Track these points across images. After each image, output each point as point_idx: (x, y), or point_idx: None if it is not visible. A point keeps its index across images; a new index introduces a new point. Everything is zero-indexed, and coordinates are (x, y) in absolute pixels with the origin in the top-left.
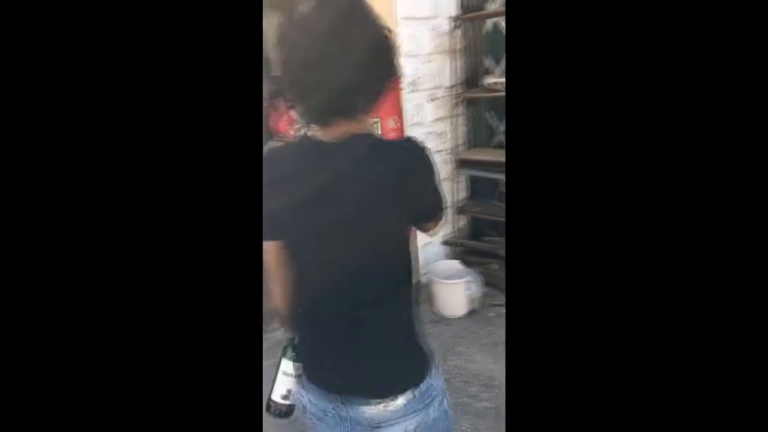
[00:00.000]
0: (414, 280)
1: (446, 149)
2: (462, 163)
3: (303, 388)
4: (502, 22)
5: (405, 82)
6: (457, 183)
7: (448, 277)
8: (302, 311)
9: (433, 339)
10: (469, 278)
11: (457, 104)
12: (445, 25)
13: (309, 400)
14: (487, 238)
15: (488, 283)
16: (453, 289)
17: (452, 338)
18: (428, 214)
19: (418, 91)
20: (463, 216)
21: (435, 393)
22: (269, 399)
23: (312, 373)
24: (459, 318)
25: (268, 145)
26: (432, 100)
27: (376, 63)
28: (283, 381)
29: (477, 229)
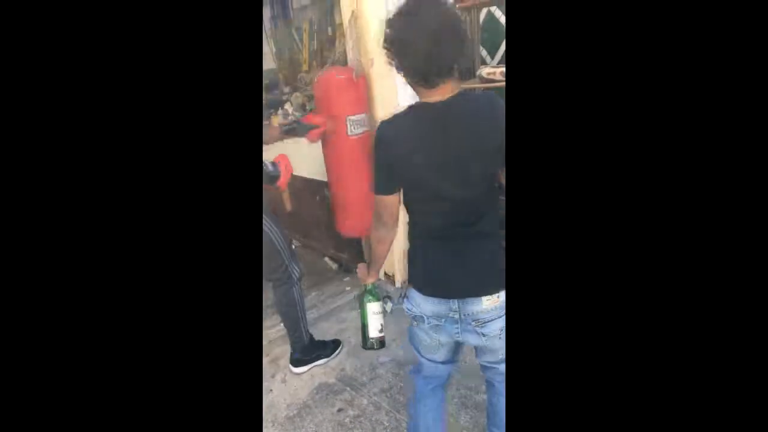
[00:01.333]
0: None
1: None
2: None
3: (418, 304)
4: (497, 12)
5: (399, 78)
6: None
7: None
8: (419, 241)
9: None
10: None
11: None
12: None
13: (425, 312)
14: None
15: None
16: None
17: None
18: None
19: None
20: None
21: None
22: (367, 338)
23: (431, 287)
24: None
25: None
26: None
27: (458, 45)
28: (374, 320)
29: None
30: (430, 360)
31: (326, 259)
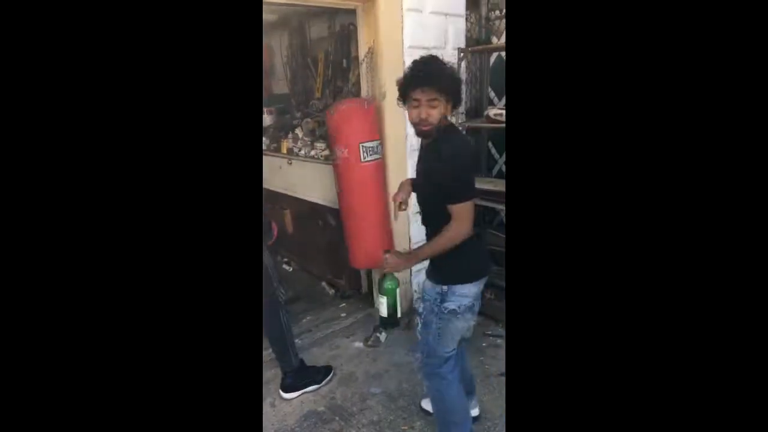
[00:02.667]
0: (407, 305)
1: None
2: None
3: (467, 294)
4: (504, 55)
5: None
6: None
7: None
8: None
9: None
10: None
11: None
12: (451, 55)
13: (472, 297)
14: None
15: (482, 312)
16: None
17: None
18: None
19: None
20: None
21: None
22: (396, 313)
23: (477, 273)
24: None
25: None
26: None
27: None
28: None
29: None
30: (453, 349)
31: (324, 284)
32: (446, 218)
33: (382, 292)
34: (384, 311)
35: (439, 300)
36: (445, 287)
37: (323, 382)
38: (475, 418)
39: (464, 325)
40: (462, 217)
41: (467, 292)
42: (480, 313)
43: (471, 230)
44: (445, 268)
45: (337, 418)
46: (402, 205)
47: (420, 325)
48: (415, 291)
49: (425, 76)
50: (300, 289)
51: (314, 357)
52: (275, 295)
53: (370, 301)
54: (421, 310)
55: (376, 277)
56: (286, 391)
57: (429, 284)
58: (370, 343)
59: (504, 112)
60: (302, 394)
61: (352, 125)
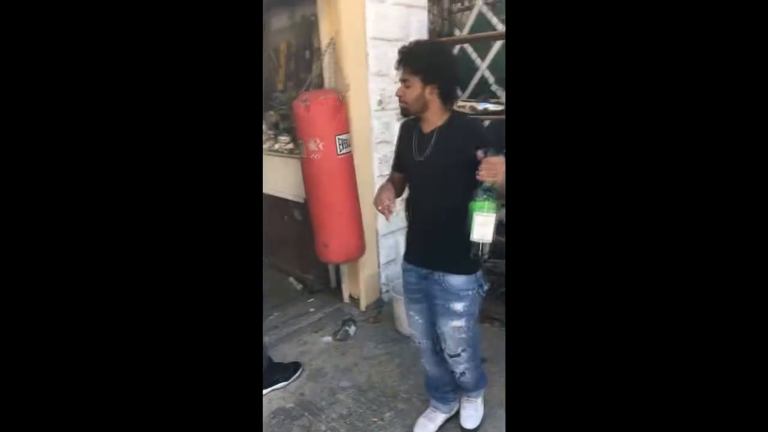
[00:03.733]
0: (375, 297)
1: None
2: None
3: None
4: (468, 48)
5: (373, 101)
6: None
7: None
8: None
9: (394, 357)
10: None
11: None
12: None
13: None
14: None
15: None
16: None
17: (413, 358)
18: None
19: (386, 110)
20: None
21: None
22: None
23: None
24: None
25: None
26: (399, 119)
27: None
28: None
29: None
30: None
31: (291, 279)
32: (468, 188)
33: (484, 209)
34: (489, 234)
35: (476, 285)
36: (479, 272)
37: (291, 379)
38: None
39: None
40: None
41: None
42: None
43: None
44: (463, 257)
45: (306, 414)
46: (390, 206)
47: (429, 320)
48: (384, 284)
49: (401, 57)
50: (267, 285)
51: (283, 353)
52: None
53: (338, 295)
54: (413, 303)
55: (344, 270)
56: None
57: (453, 277)
58: (338, 337)
59: (467, 105)
60: (271, 391)
61: (328, 117)
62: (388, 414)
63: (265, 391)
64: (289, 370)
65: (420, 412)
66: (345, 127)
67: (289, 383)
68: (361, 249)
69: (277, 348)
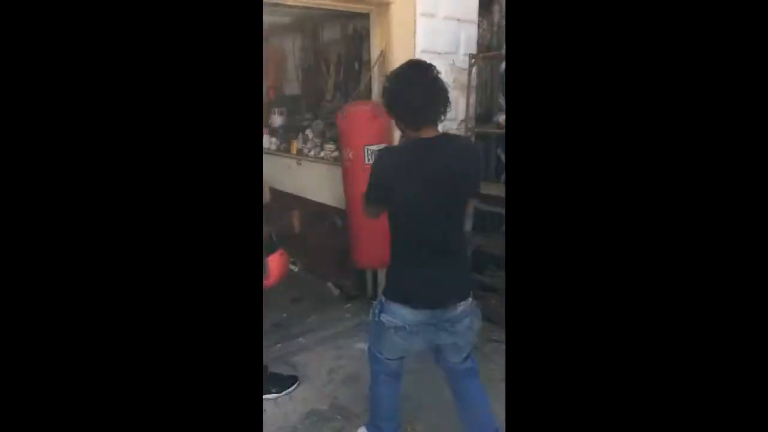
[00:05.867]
0: None
1: None
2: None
3: (401, 316)
4: None
5: None
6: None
7: None
8: (401, 260)
9: (429, 370)
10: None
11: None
12: (462, 61)
13: (408, 322)
14: (489, 272)
15: (487, 317)
16: None
17: None
18: (476, 192)
19: None
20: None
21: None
22: None
23: (419, 300)
24: None
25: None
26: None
27: (441, 97)
28: None
29: (479, 262)
30: (391, 359)
31: (329, 284)
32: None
33: None
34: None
35: (377, 306)
36: (383, 298)
37: (285, 391)
38: None
39: (400, 342)
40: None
41: (404, 314)
42: (485, 319)
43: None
44: (386, 278)
45: (338, 417)
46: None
47: None
48: None
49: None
50: (305, 290)
51: (319, 357)
52: None
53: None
54: None
55: (381, 279)
56: None
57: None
58: None
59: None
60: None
61: (358, 128)
62: (421, 424)
63: None
64: (286, 381)
65: (453, 427)
66: (381, 137)
67: (281, 395)
68: None
69: (315, 350)
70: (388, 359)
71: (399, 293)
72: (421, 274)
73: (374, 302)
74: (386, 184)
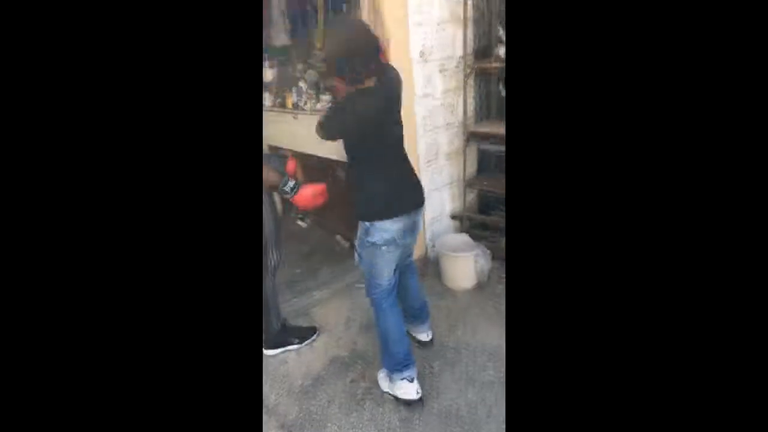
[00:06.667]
0: (421, 253)
1: (456, 122)
2: (471, 136)
3: (387, 229)
4: None
5: (414, 52)
6: (466, 156)
7: (456, 251)
8: (371, 177)
9: (440, 311)
10: (477, 252)
11: (467, 75)
12: None
13: (395, 233)
14: (495, 213)
15: (496, 256)
16: (461, 262)
17: (460, 311)
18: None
19: (428, 61)
20: (472, 190)
21: None
22: None
23: (398, 208)
24: (466, 291)
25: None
26: (442, 71)
27: (371, 52)
28: None
29: (485, 203)
30: (387, 279)
31: (338, 237)
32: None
33: None
34: None
35: (364, 234)
36: (367, 223)
37: (306, 342)
38: (427, 343)
39: (390, 257)
40: None
41: (389, 226)
42: (494, 258)
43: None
44: (360, 206)
45: (359, 362)
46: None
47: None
48: (429, 240)
49: None
50: (315, 244)
51: (335, 308)
52: (266, 257)
53: None
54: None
55: None
56: (266, 348)
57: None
58: None
59: None
60: (283, 351)
61: None
62: (437, 363)
63: (276, 351)
64: (306, 332)
65: (468, 363)
66: None
67: (302, 345)
68: None
69: (329, 303)
70: (386, 281)
71: (380, 211)
72: (392, 185)
73: (356, 231)
74: (363, 122)
